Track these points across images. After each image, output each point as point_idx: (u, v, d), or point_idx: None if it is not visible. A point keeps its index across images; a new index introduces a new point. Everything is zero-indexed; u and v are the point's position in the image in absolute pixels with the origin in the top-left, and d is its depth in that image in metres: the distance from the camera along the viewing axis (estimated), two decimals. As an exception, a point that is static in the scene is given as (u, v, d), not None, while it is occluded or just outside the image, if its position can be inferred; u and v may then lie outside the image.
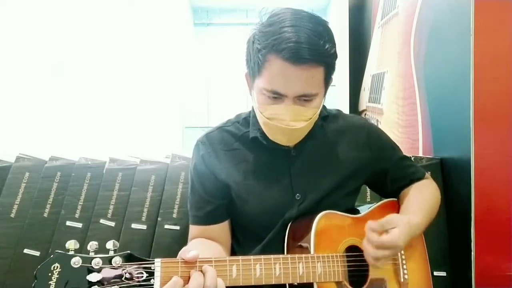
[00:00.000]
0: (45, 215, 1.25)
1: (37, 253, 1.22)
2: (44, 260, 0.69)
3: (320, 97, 0.90)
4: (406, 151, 1.12)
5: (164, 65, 3.74)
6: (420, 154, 1.49)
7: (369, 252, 0.85)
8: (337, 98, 2.65)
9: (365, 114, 2.36)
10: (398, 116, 1.78)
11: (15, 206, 1.25)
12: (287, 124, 0.87)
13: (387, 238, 0.84)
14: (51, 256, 0.69)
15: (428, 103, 1.46)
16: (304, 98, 0.87)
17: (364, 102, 2.41)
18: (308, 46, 0.81)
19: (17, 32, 2.69)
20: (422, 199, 1.00)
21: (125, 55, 3.46)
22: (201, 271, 0.74)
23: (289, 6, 0.90)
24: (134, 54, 3.52)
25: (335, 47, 0.88)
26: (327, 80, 0.90)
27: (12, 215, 1.24)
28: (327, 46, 0.84)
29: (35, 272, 0.68)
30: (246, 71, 0.95)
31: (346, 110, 2.54)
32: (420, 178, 1.07)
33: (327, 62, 0.87)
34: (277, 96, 0.86)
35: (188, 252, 0.74)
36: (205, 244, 0.96)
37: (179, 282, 0.72)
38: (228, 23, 4.85)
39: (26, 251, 1.22)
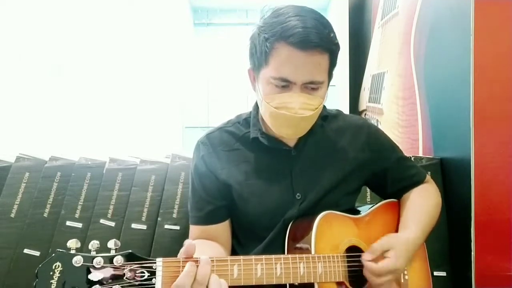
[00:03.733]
0: (45, 215, 1.25)
1: (37, 253, 1.22)
2: (44, 260, 0.69)
3: (325, 87, 0.91)
4: (406, 151, 1.12)
5: (164, 65, 3.74)
6: (420, 154, 1.49)
7: (372, 281, 0.86)
8: (337, 98, 2.65)
9: (365, 114, 2.36)
10: (398, 116, 1.78)
11: (15, 206, 1.25)
12: (296, 112, 0.87)
13: (384, 265, 0.85)
14: (53, 255, 0.69)
15: (428, 103, 1.46)
16: (311, 86, 0.88)
17: (364, 102, 2.42)
18: (316, 31, 0.84)
19: (17, 32, 2.69)
20: (422, 209, 1.00)
21: (125, 55, 3.46)
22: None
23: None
24: (134, 54, 3.52)
25: (337, 39, 0.90)
26: (330, 72, 0.91)
27: (12, 215, 1.24)
28: (332, 35, 0.87)
29: (36, 271, 0.68)
30: (249, 66, 0.95)
31: (346, 110, 2.54)
32: (420, 181, 1.07)
33: (332, 50, 0.88)
34: (285, 84, 0.87)
35: (186, 252, 0.74)
36: (205, 245, 0.96)
37: (191, 273, 0.72)
38: (228, 23, 4.85)
39: (26, 251, 1.22)
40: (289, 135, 0.95)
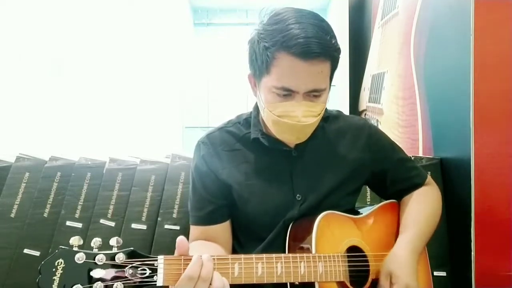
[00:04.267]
0: (45, 215, 1.25)
1: (37, 253, 1.22)
2: (44, 260, 0.69)
3: (327, 92, 0.91)
4: (406, 151, 1.12)
5: (164, 65, 3.74)
6: (420, 154, 1.49)
7: None
8: (337, 98, 2.65)
9: (365, 114, 2.36)
10: (398, 116, 1.78)
11: (15, 206, 1.25)
12: (299, 121, 0.88)
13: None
14: (56, 251, 0.70)
15: (428, 103, 1.46)
16: (314, 94, 0.87)
17: (364, 102, 2.42)
18: (317, 41, 0.82)
19: (17, 32, 2.69)
20: (422, 211, 1.00)
21: (125, 55, 3.46)
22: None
23: (289, 6, 0.90)
24: (134, 54, 3.52)
25: (338, 43, 0.90)
26: (331, 75, 0.91)
27: (12, 215, 1.24)
28: (333, 41, 0.86)
29: (39, 267, 0.68)
30: (249, 72, 0.95)
31: (346, 110, 2.54)
32: (421, 182, 1.06)
33: (334, 57, 0.88)
34: (287, 93, 0.87)
35: (179, 250, 0.75)
36: (205, 246, 0.96)
37: (199, 261, 0.73)
38: (228, 23, 4.85)
39: (26, 251, 1.22)
40: (292, 140, 0.95)
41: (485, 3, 1.08)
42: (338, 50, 0.88)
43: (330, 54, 0.86)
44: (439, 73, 1.37)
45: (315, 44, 0.82)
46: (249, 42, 0.92)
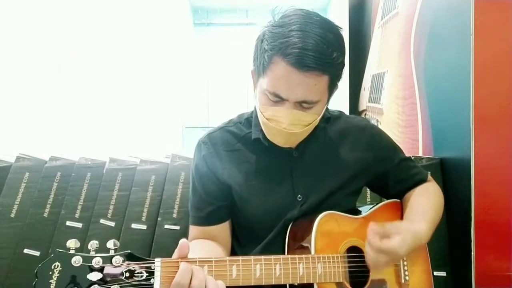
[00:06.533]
0: (45, 215, 1.25)
1: (37, 253, 1.22)
2: (44, 260, 0.70)
3: (322, 104, 0.90)
4: (406, 151, 1.12)
5: (164, 65, 3.74)
6: (420, 154, 1.49)
7: (370, 255, 0.84)
8: (337, 98, 2.65)
9: (365, 114, 2.36)
10: (398, 116, 1.78)
11: (15, 206, 1.25)
12: (285, 127, 0.88)
13: (389, 245, 0.83)
14: (52, 255, 0.70)
15: (428, 103, 1.46)
16: (304, 105, 0.87)
17: (364, 102, 2.42)
18: (314, 54, 0.81)
19: (17, 32, 2.69)
20: (427, 205, 0.99)
21: (125, 55, 3.46)
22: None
23: (291, 6, 0.89)
24: (134, 54, 3.52)
25: (343, 56, 0.88)
26: (331, 88, 0.90)
27: (12, 215, 1.25)
28: (334, 55, 0.84)
29: (36, 271, 0.68)
30: (253, 68, 0.95)
31: (346, 110, 2.54)
32: (423, 180, 1.07)
33: (333, 71, 0.86)
34: (278, 100, 0.86)
35: (179, 253, 0.74)
36: (205, 245, 0.96)
37: (188, 268, 0.71)
38: (228, 23, 4.84)
39: (26, 251, 1.22)
40: (281, 144, 0.94)
41: (485, 3, 1.08)
42: (338, 65, 0.86)
43: (327, 69, 0.84)
44: (439, 73, 1.37)
45: (310, 57, 0.80)
46: (256, 39, 0.92)
